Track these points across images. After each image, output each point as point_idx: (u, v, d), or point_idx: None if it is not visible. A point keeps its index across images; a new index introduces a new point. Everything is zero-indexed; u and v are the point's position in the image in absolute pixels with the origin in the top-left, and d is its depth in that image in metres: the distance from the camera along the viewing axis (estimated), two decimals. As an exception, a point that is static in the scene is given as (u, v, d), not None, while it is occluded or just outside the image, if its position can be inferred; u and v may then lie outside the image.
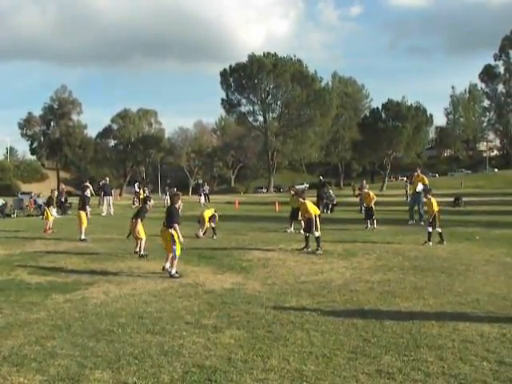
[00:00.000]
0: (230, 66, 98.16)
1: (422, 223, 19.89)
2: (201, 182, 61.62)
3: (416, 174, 22.05)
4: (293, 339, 6.35)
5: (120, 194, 42.00)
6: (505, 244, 14.67)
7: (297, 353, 5.88)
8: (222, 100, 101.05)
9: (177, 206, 11.55)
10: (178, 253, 10.60)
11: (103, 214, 27.48)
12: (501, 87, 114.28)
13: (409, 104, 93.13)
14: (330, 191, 33.18)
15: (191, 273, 10.87)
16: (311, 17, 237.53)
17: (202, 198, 42.50)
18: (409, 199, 21.85)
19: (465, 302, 8.08)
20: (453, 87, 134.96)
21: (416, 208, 21.45)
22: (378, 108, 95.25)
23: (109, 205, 28.76)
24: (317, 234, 13.51)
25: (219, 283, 9.84)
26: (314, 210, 14.09)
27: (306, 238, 14.00)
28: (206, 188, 58.93)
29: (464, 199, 39.02)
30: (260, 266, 11.72)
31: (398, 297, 8.45)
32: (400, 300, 8.25)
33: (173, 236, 10.68)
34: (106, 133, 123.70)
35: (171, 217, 10.95)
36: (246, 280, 10.16)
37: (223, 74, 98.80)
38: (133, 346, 6.19)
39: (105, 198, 29.05)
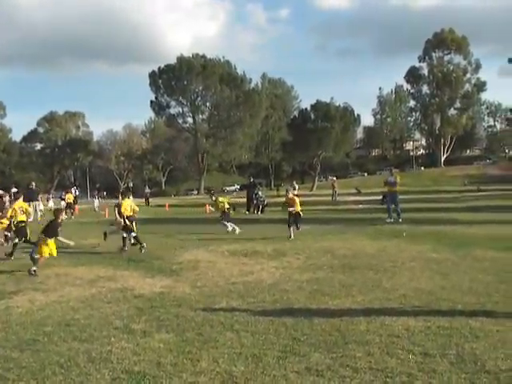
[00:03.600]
0: (159, 68, 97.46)
1: (400, 220, 20.98)
2: (131, 185, 60.82)
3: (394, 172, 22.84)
4: (223, 340, 6.36)
5: (48, 200, 40.75)
6: (431, 240, 15.16)
7: (227, 354, 5.89)
8: (151, 102, 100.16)
9: (59, 220, 11.79)
10: (37, 255, 11.23)
11: (29, 220, 26.66)
12: (425, 88, 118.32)
13: (337, 105, 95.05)
14: (260, 192, 33.38)
15: (120, 277, 10.72)
16: (240, 18, 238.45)
17: (97, 202, 42.39)
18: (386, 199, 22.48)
19: (392, 298, 8.31)
20: (380, 88, 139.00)
21: (393, 207, 22.11)
22: (306, 109, 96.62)
23: (35, 210, 27.95)
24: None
25: (149, 287, 9.73)
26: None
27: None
28: (148, 191, 58.27)
29: (392, 197, 40.05)
30: (190, 268, 11.68)
31: (327, 295, 8.59)
32: (329, 298, 8.39)
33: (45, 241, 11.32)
34: (31, 136, 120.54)
35: (49, 231, 11.58)
36: (175, 283, 10.09)
37: (152, 75, 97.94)
38: (59, 354, 6.04)
39: (31, 203, 28.22)
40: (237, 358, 5.77)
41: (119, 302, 8.62)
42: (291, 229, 16.65)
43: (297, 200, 17.54)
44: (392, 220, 21.37)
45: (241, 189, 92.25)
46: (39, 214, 28.03)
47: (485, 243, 14.30)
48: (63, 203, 33.53)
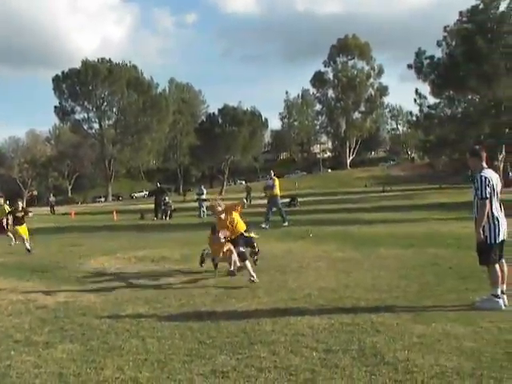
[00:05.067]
0: (63, 72, 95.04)
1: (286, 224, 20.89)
2: (36, 193, 58.83)
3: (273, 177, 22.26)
4: (128, 348, 6.25)
5: None
6: (336, 240, 15.56)
7: (132, 361, 5.79)
8: (55, 107, 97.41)
9: None
10: None
11: None
12: (331, 92, 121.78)
13: (245, 109, 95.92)
14: (167, 198, 33.21)
15: (23, 288, 10.32)
16: (147, 23, 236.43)
17: None
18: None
19: (297, 298, 8.45)
20: (287, 92, 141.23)
21: (275, 210, 21.90)
22: (214, 113, 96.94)
23: None
24: None
25: (53, 297, 9.42)
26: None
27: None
28: (53, 199, 56.38)
29: (299, 199, 40.94)
30: (96, 276, 11.43)
31: (233, 297, 8.63)
32: (236, 301, 8.43)
33: None
34: None
35: None
36: (80, 292, 9.82)
37: (55, 79, 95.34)
38: (-49, 372, 5.74)
39: None
40: (142, 364, 5.69)
41: (21, 314, 8.28)
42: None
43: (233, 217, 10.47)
44: (287, 224, 21.16)
45: (149, 195, 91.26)
46: None
47: (388, 241, 14.85)
48: None
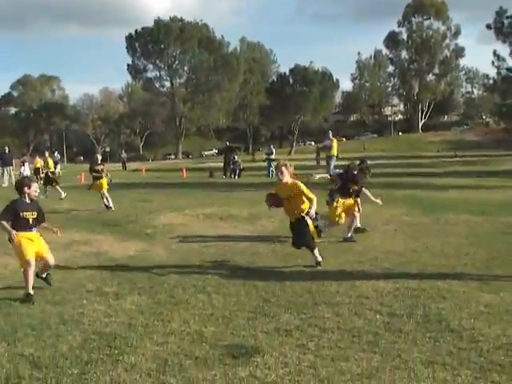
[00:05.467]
0: (136, 31, 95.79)
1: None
2: (108, 150, 60.28)
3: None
4: (194, 302, 6.43)
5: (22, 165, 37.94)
6: (405, 204, 15.35)
7: (197, 315, 5.96)
8: (128, 65, 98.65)
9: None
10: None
11: (4, 185, 26.46)
12: (404, 53, 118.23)
13: (316, 69, 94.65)
14: (236, 157, 33.35)
15: (95, 241, 10.72)
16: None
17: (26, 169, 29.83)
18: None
19: (363, 260, 8.44)
20: (359, 53, 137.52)
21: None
22: (285, 73, 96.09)
23: (9, 175, 27.70)
24: None
25: (123, 251, 9.76)
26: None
27: None
28: (125, 156, 57.81)
29: (369, 162, 40.34)
30: (165, 231, 11.71)
31: (300, 258, 8.67)
32: (302, 261, 8.47)
33: None
34: (5, 100, 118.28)
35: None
36: (150, 246, 10.13)
37: (129, 38, 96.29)
38: (31, 317, 6.06)
39: (5, 168, 27.97)
40: (207, 319, 5.84)
41: (93, 265, 8.63)
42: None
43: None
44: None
45: (218, 153, 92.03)
46: (13, 178, 27.75)
47: (459, 207, 14.53)
48: (24, 169, 29.19)
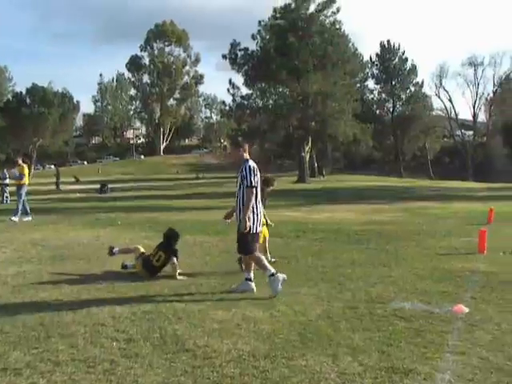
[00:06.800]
0: None
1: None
2: None
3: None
4: None
5: None
6: (144, 227, 15.52)
7: None
8: None
9: None
10: None
11: None
12: (146, 77, 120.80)
13: (55, 90, 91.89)
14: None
15: None
16: None
17: None
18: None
19: (100, 288, 8.27)
20: (101, 75, 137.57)
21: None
22: (22, 92, 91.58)
23: None
24: None
25: None
26: None
27: None
28: None
29: (110, 186, 40.17)
30: None
31: (33, 288, 8.20)
32: (35, 291, 8.02)
33: None
34: None
35: None
36: None
37: None
38: None
39: None
40: None
41: None
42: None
43: None
44: (16, 219, 17.90)
45: None
46: None
47: (195, 228, 15.10)
48: None
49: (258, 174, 7.85)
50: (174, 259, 9.01)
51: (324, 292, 7.83)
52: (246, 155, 7.96)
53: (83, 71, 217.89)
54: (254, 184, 7.66)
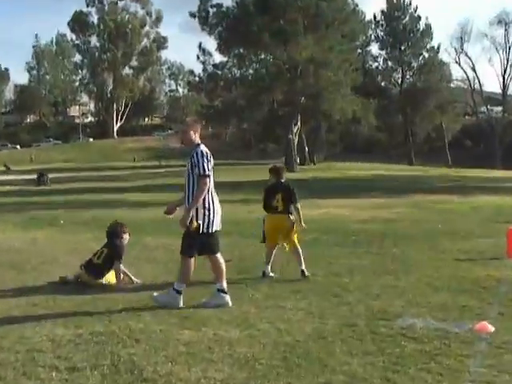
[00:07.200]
0: None
1: None
2: None
3: None
4: None
5: None
6: (92, 228, 15.43)
7: None
8: None
9: None
10: None
11: None
12: (94, 40, 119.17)
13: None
14: None
15: None
16: None
17: None
18: None
19: (37, 302, 8.21)
20: (36, 36, 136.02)
21: None
22: None
23: None
24: None
25: None
26: None
27: None
28: None
29: (50, 176, 39.93)
30: None
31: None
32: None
33: None
34: None
35: None
36: None
37: None
38: None
39: None
40: None
41: None
42: None
43: None
44: None
45: None
46: None
47: (157, 228, 15.09)
48: None
49: (212, 160, 7.87)
50: (116, 262, 9.09)
51: (315, 306, 7.87)
52: (197, 139, 8.01)
53: (13, 31, 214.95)
54: (207, 172, 7.69)
